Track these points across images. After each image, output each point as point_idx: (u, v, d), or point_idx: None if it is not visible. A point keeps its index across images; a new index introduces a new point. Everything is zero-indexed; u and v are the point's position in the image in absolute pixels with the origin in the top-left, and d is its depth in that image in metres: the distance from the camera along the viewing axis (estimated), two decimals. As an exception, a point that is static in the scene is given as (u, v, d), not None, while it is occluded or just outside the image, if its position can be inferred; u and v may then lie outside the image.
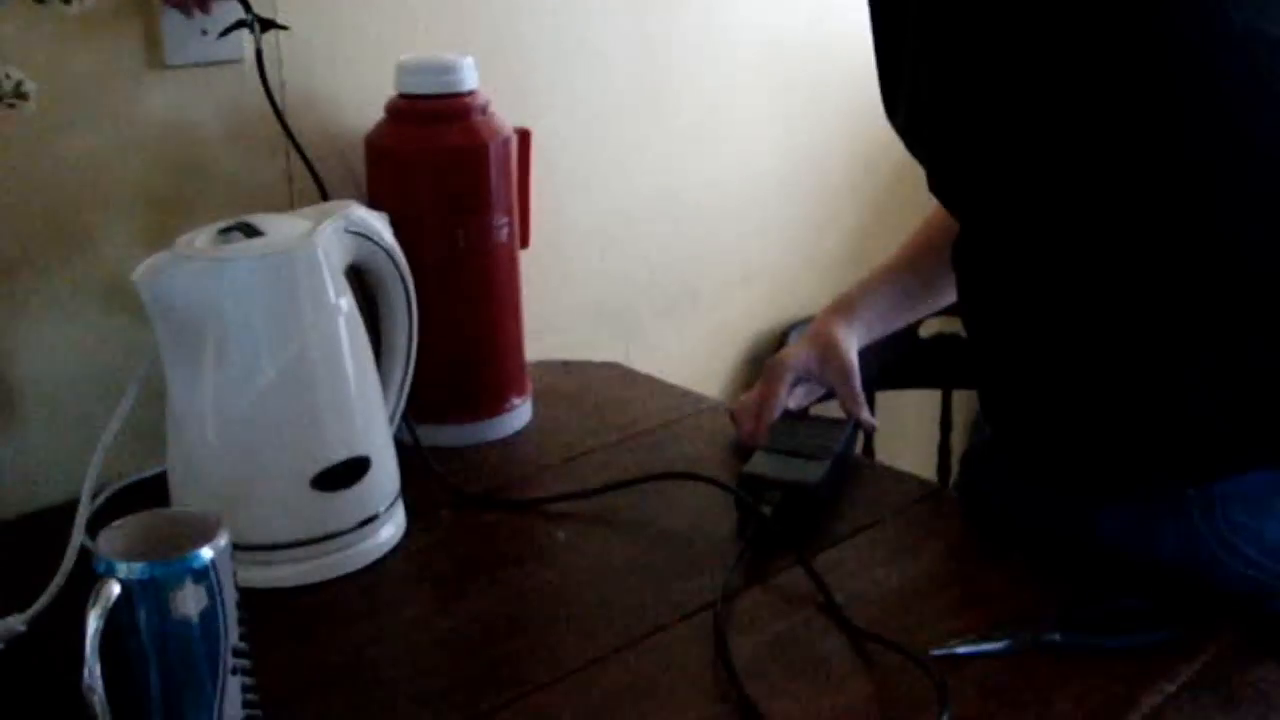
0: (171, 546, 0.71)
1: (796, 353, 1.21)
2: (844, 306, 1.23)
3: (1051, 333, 0.97)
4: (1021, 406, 1.03)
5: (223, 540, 0.72)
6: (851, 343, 1.20)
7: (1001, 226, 0.99)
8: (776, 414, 1.17)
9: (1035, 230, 0.95)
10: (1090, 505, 1.00)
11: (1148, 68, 0.85)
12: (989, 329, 1.05)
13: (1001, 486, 1.09)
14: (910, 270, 1.24)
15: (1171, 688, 0.83)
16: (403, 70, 1.18)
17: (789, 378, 1.19)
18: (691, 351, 1.71)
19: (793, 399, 1.20)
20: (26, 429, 1.12)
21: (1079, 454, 0.99)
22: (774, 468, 1.07)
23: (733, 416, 1.22)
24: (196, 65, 1.14)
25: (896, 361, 1.86)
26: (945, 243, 1.10)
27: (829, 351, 1.19)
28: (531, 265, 1.28)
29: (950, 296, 1.21)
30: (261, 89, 1.14)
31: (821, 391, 1.23)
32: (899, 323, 1.26)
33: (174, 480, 0.99)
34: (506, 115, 1.22)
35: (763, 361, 1.75)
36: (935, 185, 1.03)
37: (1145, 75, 0.85)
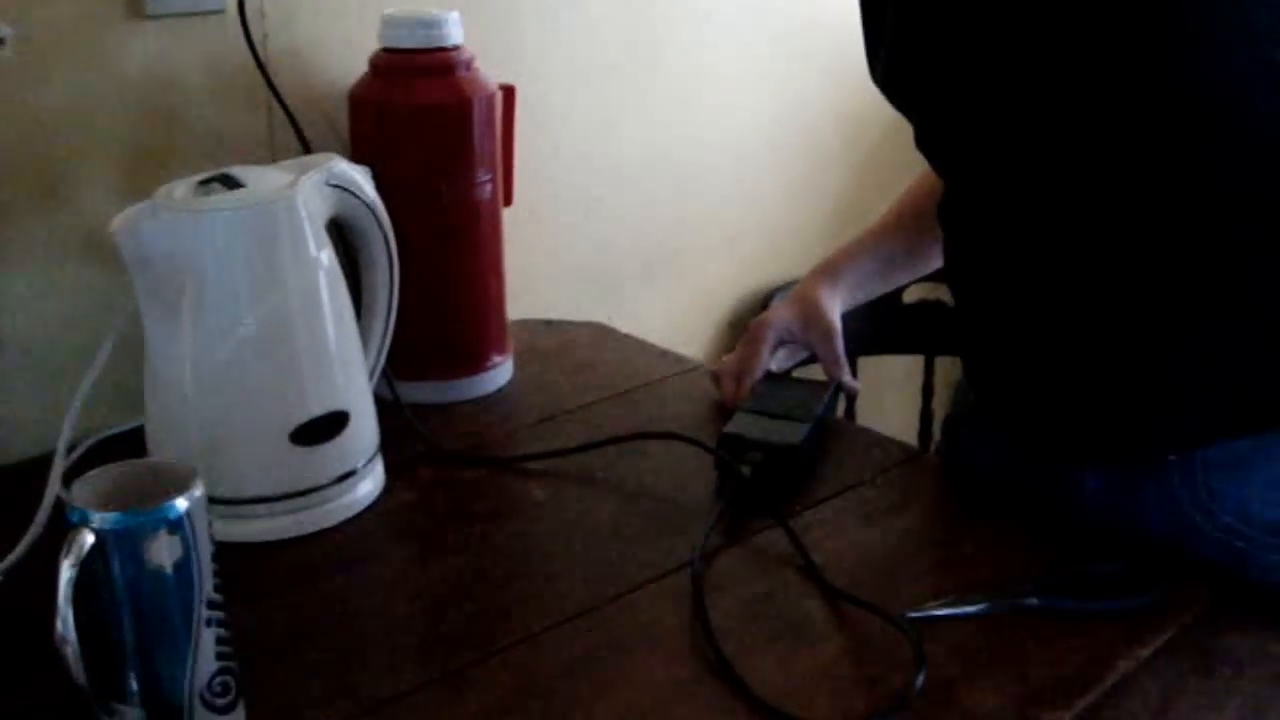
0: (146, 497, 0.71)
1: (779, 314, 1.21)
2: (828, 270, 1.22)
3: (1036, 295, 0.97)
4: (1005, 370, 1.03)
5: (197, 491, 0.71)
6: (835, 305, 1.19)
7: (986, 184, 0.98)
8: (758, 375, 1.17)
9: (1020, 188, 0.94)
10: (1072, 469, 1.00)
11: (1132, 9, 0.83)
12: (974, 290, 1.05)
13: (983, 451, 1.09)
14: (896, 235, 1.24)
15: (1146, 652, 0.84)
16: (387, 24, 1.16)
17: (771, 338, 1.19)
18: (674, 313, 1.70)
19: (775, 361, 1.20)
20: (3, 381, 1.11)
21: (1062, 418, 0.99)
22: (754, 429, 1.07)
23: (714, 377, 1.21)
24: (178, 15, 1.13)
25: (879, 327, 1.86)
26: (931, 208, 1.09)
27: (812, 314, 1.19)
28: (514, 224, 1.28)
29: (936, 262, 1.21)
30: (244, 40, 1.13)
31: (804, 354, 1.24)
32: (884, 287, 1.26)
33: (151, 434, 0.98)
34: (491, 72, 1.21)
35: (745, 324, 1.75)
36: (920, 139, 1.03)
37: (1131, 18, 0.83)
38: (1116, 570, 0.91)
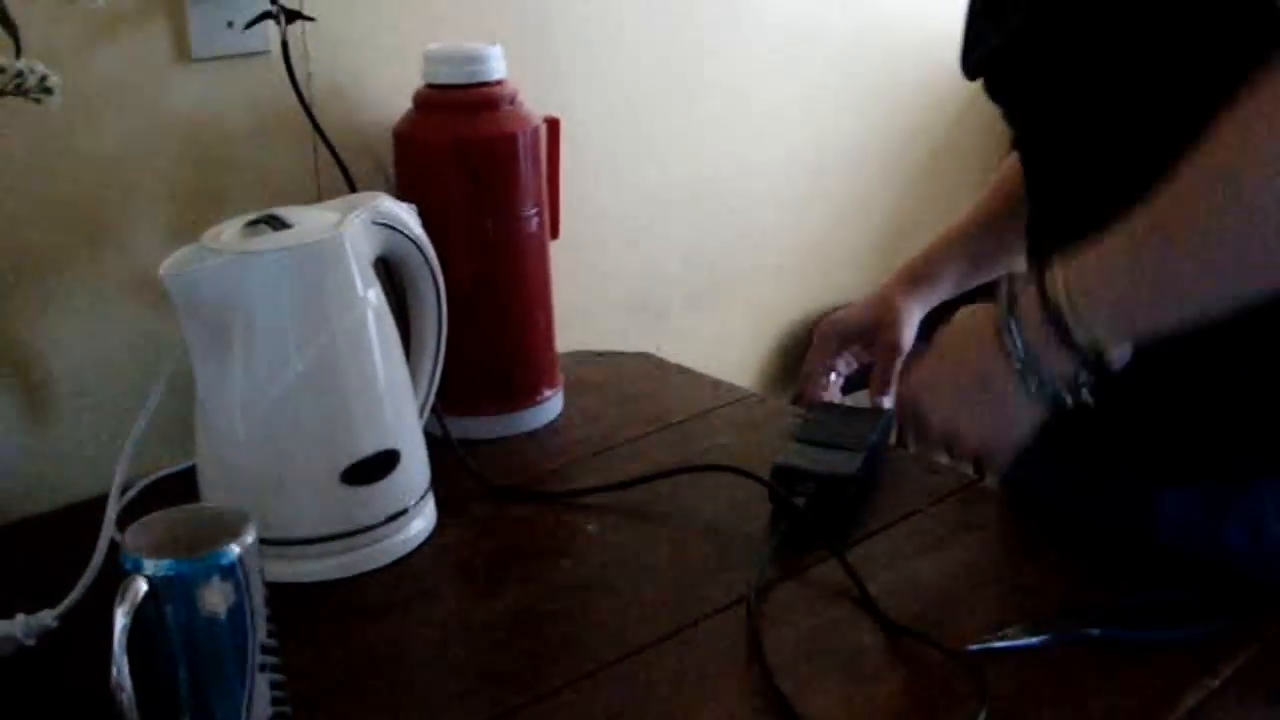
0: (199, 543, 0.71)
1: (849, 315, 1.18)
2: (912, 275, 1.19)
3: None
4: None
5: (250, 537, 0.71)
6: (912, 316, 1.16)
7: (1085, 190, 0.94)
8: (825, 374, 1.16)
9: (1122, 196, 0.91)
10: (1151, 491, 0.97)
11: None
12: None
13: (1050, 475, 1.06)
14: (983, 233, 1.19)
15: (1215, 683, 0.82)
16: (430, 60, 1.17)
17: (834, 339, 1.17)
18: (723, 341, 1.70)
19: (842, 360, 1.19)
20: (56, 424, 1.12)
21: (1147, 435, 0.96)
22: (807, 459, 1.06)
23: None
24: (222, 58, 1.14)
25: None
26: (1020, 202, 1.07)
27: (884, 323, 1.16)
28: (561, 256, 1.27)
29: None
30: (288, 81, 1.14)
31: (860, 361, 1.21)
32: (969, 287, 1.21)
33: (203, 475, 0.99)
34: (535, 104, 1.21)
35: (795, 351, 1.74)
36: (1022, 138, 1.00)
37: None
38: (1183, 598, 0.89)
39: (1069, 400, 0.82)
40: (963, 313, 0.95)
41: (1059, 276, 0.80)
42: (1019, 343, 0.81)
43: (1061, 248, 0.93)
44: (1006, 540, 1.04)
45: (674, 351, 1.48)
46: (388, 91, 1.22)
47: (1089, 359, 0.80)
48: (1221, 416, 0.92)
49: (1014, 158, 1.16)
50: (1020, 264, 1.18)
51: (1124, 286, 0.80)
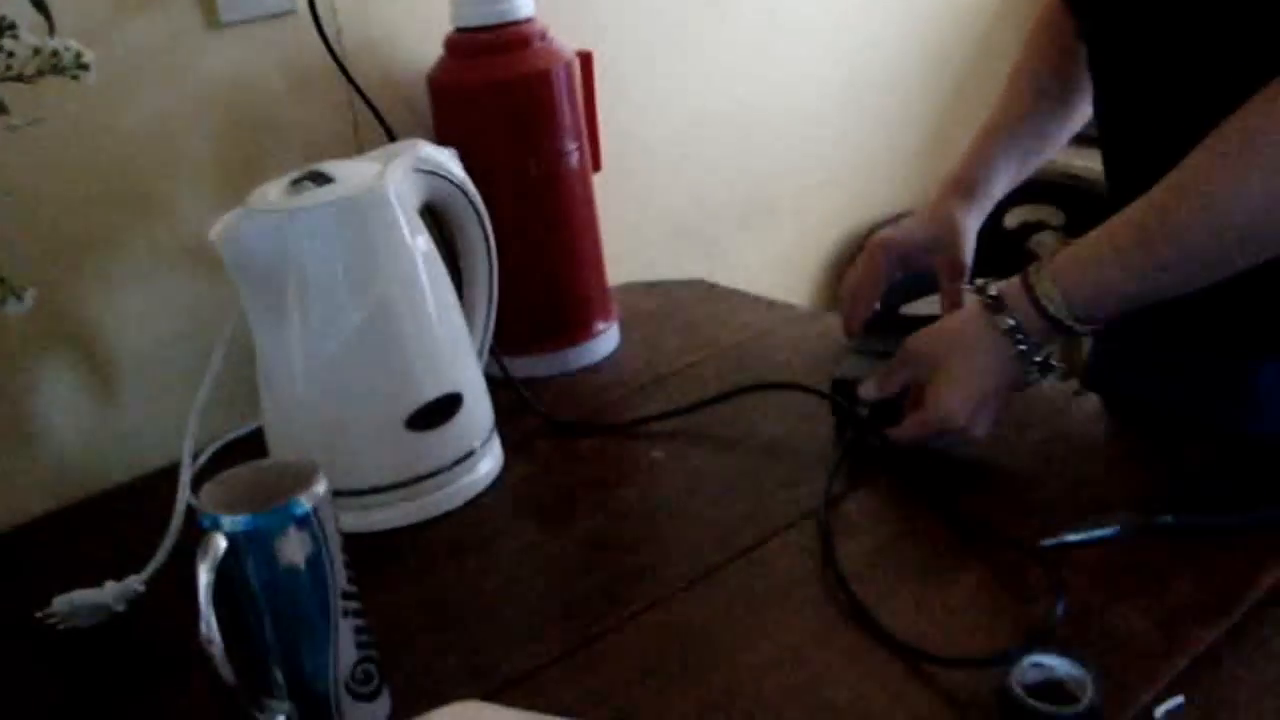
0: (272, 496, 0.72)
1: (907, 233, 1.14)
2: (964, 184, 1.15)
3: None
4: None
5: (321, 486, 0.72)
6: (971, 227, 1.14)
7: (1156, 84, 0.94)
8: (877, 296, 1.13)
9: (1201, 49, 0.90)
10: (1249, 364, 0.96)
11: None
12: (1138, 176, 1.01)
13: (1140, 358, 1.05)
14: (1027, 127, 1.16)
15: (1294, 560, 0.81)
16: (458, 4, 1.16)
17: (889, 259, 1.13)
18: (774, 262, 1.69)
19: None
20: (123, 397, 1.13)
21: (1242, 306, 0.94)
22: (866, 370, 1.06)
23: (840, 300, 1.19)
24: (251, 20, 1.14)
25: (984, 255, 1.83)
26: (1054, 84, 1.07)
27: (946, 238, 1.12)
28: (605, 189, 1.27)
29: (1067, 135, 1.17)
30: (318, 38, 1.14)
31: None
32: (1019, 180, 1.19)
33: (270, 434, 1.00)
34: (566, 40, 1.20)
35: (847, 265, 1.73)
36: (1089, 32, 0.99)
37: None
38: (1255, 482, 0.88)
39: (1055, 364, 0.93)
40: (937, 330, 0.97)
41: (1045, 270, 0.89)
42: (1012, 323, 0.90)
43: (1134, 132, 0.96)
44: (1075, 432, 1.03)
45: (726, 276, 1.48)
46: (418, 39, 1.22)
47: (1068, 331, 0.90)
48: None
49: (1032, 46, 1.14)
50: (1064, 140, 1.16)
51: (1104, 280, 0.88)
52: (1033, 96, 1.16)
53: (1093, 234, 0.89)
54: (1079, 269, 0.89)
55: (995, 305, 0.92)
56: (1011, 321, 0.91)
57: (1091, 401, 1.06)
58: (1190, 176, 0.84)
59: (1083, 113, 1.14)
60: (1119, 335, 1.08)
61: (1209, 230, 0.83)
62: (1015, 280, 0.92)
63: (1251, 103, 0.81)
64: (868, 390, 1.01)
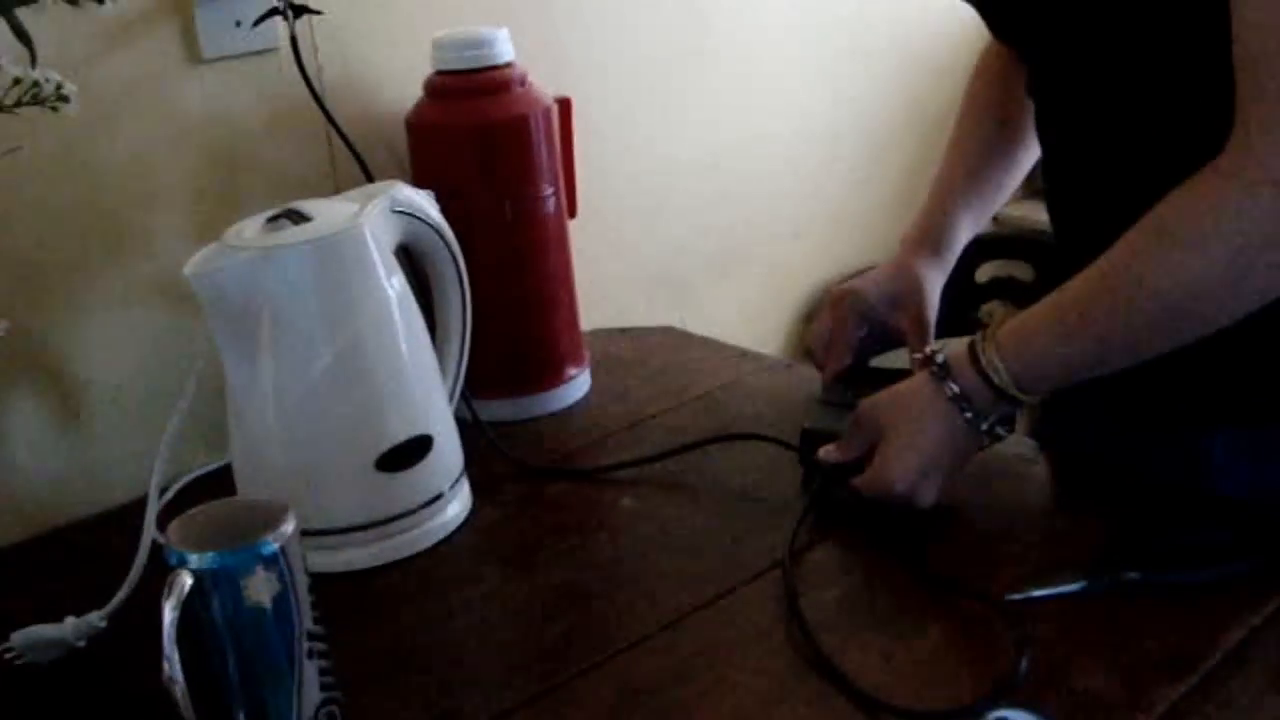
0: (240, 535, 0.71)
1: (868, 289, 1.15)
2: (924, 238, 1.16)
3: None
4: None
5: (289, 526, 0.72)
6: (936, 283, 1.15)
7: (1108, 124, 0.95)
8: (851, 348, 1.14)
9: (1152, 125, 0.91)
10: (1202, 435, 0.97)
11: None
12: (1090, 245, 1.02)
13: (1092, 428, 1.06)
14: (980, 176, 1.17)
15: (1257, 619, 0.82)
16: (438, 47, 1.17)
17: (853, 318, 1.13)
18: (747, 311, 1.70)
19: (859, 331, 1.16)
20: (93, 429, 1.13)
21: (1193, 378, 0.95)
22: (835, 421, 1.06)
23: (808, 354, 1.19)
24: (233, 57, 1.14)
25: (954, 310, 1.84)
26: (1003, 134, 1.10)
27: (909, 295, 1.13)
28: (581, 234, 1.28)
29: (1021, 175, 1.18)
30: (299, 76, 1.14)
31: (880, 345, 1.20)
32: (979, 232, 1.20)
33: (239, 471, 1.00)
34: (545, 85, 1.21)
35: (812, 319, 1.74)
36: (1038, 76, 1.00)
37: None
38: (1220, 539, 0.89)
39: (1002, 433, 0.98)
40: (889, 396, 0.98)
41: (990, 339, 0.91)
42: (958, 390, 0.92)
43: (1078, 187, 0.97)
44: (1041, 491, 1.04)
45: (698, 324, 1.49)
46: (399, 80, 1.23)
47: (1013, 401, 0.91)
48: (1267, 353, 0.92)
49: (974, 95, 1.17)
50: (1019, 179, 1.17)
51: (1046, 351, 0.90)
52: (982, 139, 1.17)
53: (1037, 305, 0.91)
54: (1022, 339, 0.91)
55: (941, 373, 0.93)
56: (957, 389, 0.92)
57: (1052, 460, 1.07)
58: (1123, 255, 0.86)
59: (1031, 153, 1.15)
60: (1068, 404, 1.09)
61: (1141, 308, 0.85)
62: (962, 349, 0.93)
63: (1181, 186, 0.83)
64: (828, 454, 1.01)
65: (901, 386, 0.97)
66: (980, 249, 1.86)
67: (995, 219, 1.95)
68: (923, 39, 1.82)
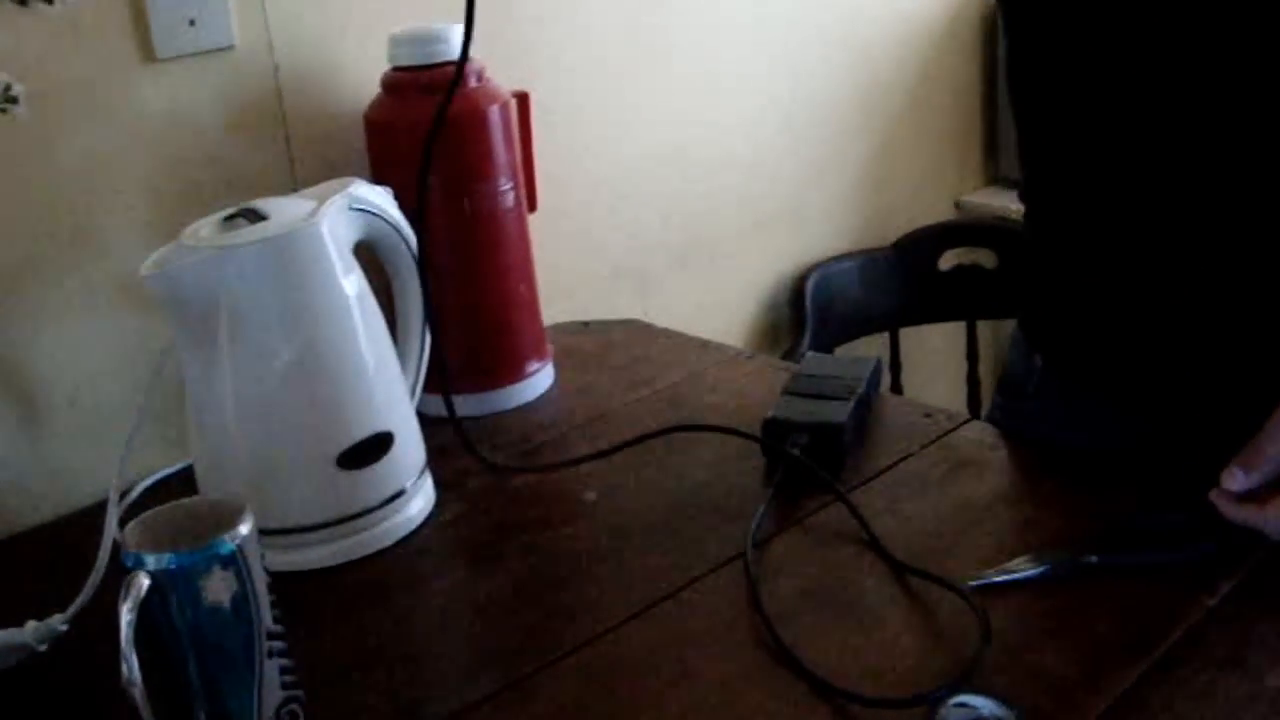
0: (198, 536, 0.71)
1: None
2: None
3: (1135, 237, 0.93)
4: (1081, 320, 1.01)
5: (246, 526, 0.72)
6: None
7: (1104, 108, 0.94)
8: None
9: (1133, 103, 0.90)
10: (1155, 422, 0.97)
11: None
12: (1057, 232, 1.01)
13: (1048, 412, 1.07)
14: None
15: (1213, 600, 0.83)
16: (393, 43, 1.17)
17: None
18: (710, 303, 1.70)
19: None
20: (54, 432, 1.12)
21: (1148, 372, 0.95)
22: (797, 411, 1.07)
23: None
24: (188, 56, 1.13)
25: (916, 297, 1.86)
26: None
27: None
28: (542, 229, 1.28)
29: None
30: (255, 74, 1.14)
31: None
32: None
33: (200, 472, 0.99)
34: (505, 79, 1.21)
35: (778, 308, 1.75)
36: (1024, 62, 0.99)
37: None
38: (1176, 521, 0.90)
39: None
40: None
41: None
42: None
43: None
44: (1001, 477, 1.04)
45: (661, 316, 1.49)
46: (355, 76, 1.23)
47: None
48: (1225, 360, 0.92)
49: None
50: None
51: None
52: None
53: None
54: None
55: None
56: None
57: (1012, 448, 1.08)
58: None
59: None
60: (1024, 393, 1.10)
61: None
62: None
63: None
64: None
65: None
66: (943, 237, 1.88)
67: (957, 205, 1.98)
68: (879, 31, 1.82)
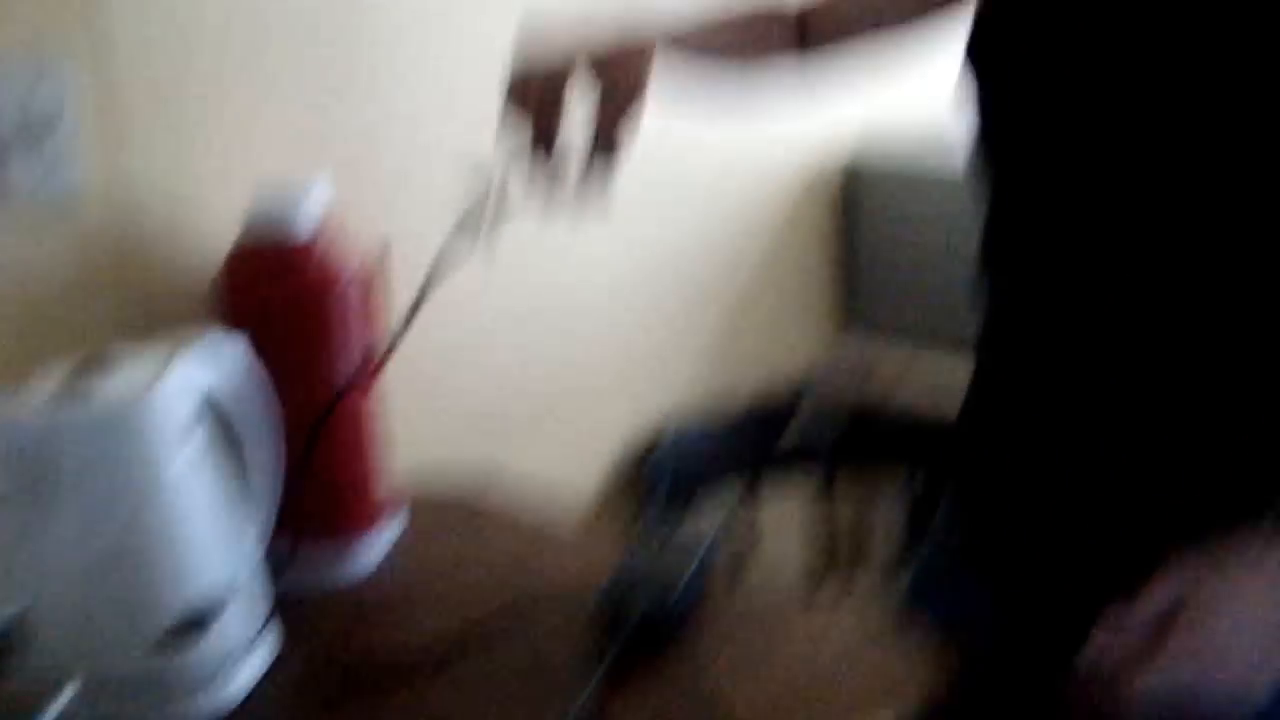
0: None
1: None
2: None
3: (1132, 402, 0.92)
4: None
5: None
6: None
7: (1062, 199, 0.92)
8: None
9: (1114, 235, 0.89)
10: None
11: None
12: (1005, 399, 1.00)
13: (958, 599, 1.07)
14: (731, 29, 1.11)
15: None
16: (246, 217, 1.17)
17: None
18: (566, 457, 1.71)
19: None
20: None
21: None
22: (633, 586, 1.07)
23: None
24: (35, 203, 1.12)
25: (772, 454, 1.88)
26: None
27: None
28: (396, 382, 1.28)
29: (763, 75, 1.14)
30: (106, 222, 1.13)
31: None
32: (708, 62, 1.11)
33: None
34: (366, 223, 1.22)
35: (638, 463, 1.76)
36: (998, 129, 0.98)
37: None
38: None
39: None
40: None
41: None
42: None
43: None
44: (854, 626, 1.06)
45: (516, 469, 1.49)
46: (212, 225, 1.22)
47: None
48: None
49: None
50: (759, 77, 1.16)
51: None
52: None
53: None
54: None
55: None
56: None
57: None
58: None
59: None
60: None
61: None
62: None
63: None
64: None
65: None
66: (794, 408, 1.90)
67: (814, 362, 1.99)
68: (736, 193, 1.87)
